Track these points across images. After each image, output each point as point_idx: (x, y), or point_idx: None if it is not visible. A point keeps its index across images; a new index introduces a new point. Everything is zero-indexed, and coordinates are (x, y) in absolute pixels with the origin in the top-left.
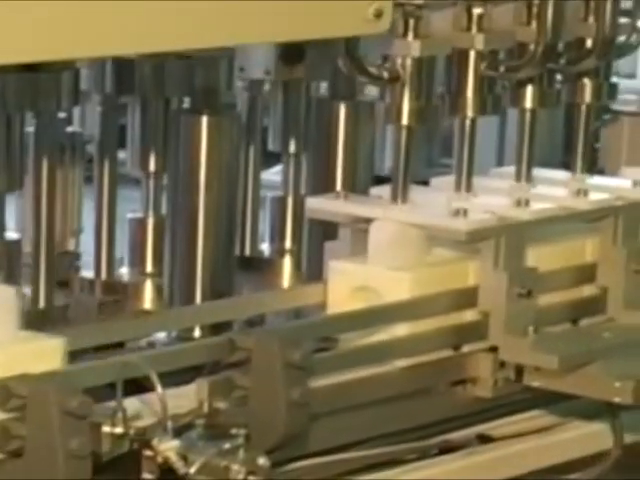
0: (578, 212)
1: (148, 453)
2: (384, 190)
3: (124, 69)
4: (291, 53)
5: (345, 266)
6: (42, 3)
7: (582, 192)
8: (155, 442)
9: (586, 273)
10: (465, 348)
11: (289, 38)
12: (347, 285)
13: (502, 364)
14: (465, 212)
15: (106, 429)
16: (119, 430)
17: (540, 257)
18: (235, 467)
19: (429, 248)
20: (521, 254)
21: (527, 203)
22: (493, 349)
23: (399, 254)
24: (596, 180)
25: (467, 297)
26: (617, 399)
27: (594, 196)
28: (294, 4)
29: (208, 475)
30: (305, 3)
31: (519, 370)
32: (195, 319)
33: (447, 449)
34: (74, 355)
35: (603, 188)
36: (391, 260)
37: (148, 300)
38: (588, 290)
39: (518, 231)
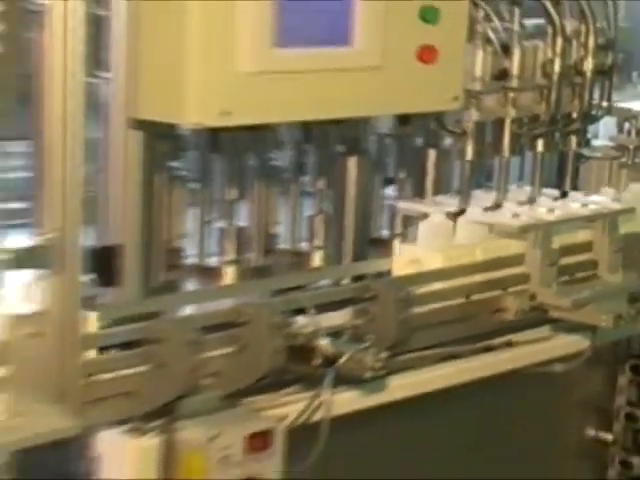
0: (582, 216)
1: (317, 347)
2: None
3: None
4: (403, 118)
5: (404, 247)
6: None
7: (582, 204)
8: (319, 341)
9: (584, 249)
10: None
11: (407, 111)
12: (404, 258)
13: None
14: (516, 215)
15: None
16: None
17: (558, 241)
18: (368, 358)
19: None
20: (549, 240)
21: (552, 210)
22: (533, 295)
23: (435, 240)
24: (586, 197)
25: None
26: (603, 324)
27: (591, 206)
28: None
29: (352, 363)
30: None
31: (545, 307)
32: (345, 273)
33: (489, 349)
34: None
35: (594, 202)
36: (430, 243)
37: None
38: (585, 258)
39: (547, 227)
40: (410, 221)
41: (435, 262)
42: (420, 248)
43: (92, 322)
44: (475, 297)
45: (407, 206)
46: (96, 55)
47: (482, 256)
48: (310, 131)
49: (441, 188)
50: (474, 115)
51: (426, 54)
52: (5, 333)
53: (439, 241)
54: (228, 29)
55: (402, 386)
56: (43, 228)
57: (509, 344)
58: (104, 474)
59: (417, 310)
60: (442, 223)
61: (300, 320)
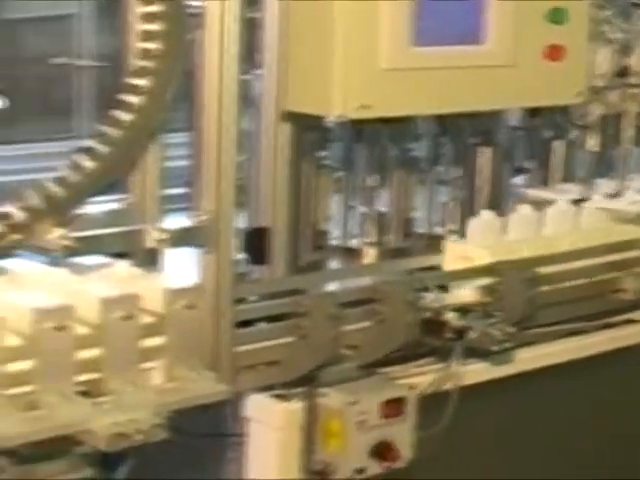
0: None
1: (448, 323)
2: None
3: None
4: (532, 111)
5: (452, 244)
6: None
7: None
8: (450, 316)
9: None
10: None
11: (535, 104)
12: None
13: None
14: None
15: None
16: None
17: None
18: (496, 332)
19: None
20: None
21: None
22: None
23: (484, 236)
24: None
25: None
26: None
27: None
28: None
29: (479, 336)
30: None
31: None
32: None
33: (609, 325)
34: None
35: None
36: (480, 240)
37: None
38: None
39: None
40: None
41: (563, 245)
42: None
43: None
44: (597, 278)
45: (535, 193)
46: (249, 54)
47: (604, 240)
48: (445, 124)
49: (567, 177)
50: (598, 109)
51: (554, 53)
52: (161, 305)
53: (564, 226)
54: (371, 29)
55: (527, 359)
56: (200, 211)
57: (628, 321)
58: (252, 434)
59: (542, 289)
60: (566, 209)
61: (430, 297)
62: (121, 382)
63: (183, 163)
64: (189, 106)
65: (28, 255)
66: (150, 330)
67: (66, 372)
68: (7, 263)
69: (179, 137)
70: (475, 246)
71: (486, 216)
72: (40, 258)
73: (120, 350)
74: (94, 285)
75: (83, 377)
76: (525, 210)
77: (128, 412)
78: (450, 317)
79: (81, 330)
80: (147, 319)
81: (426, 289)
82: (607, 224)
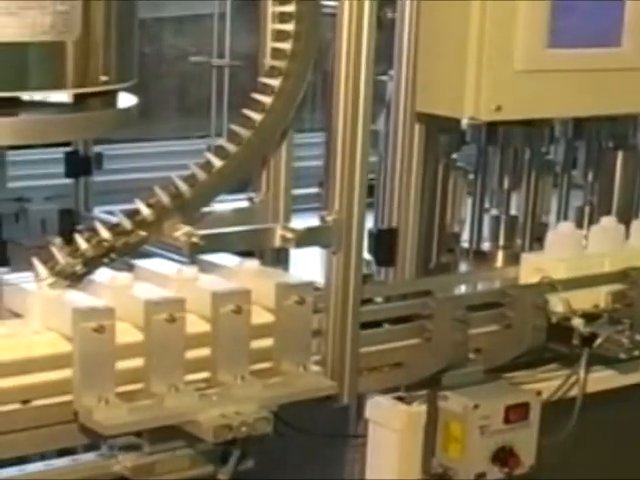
0: None
1: (575, 329)
2: None
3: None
4: None
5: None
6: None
7: None
8: (577, 322)
9: None
10: None
11: None
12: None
13: None
14: None
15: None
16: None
17: None
18: (624, 340)
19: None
20: None
21: None
22: None
23: (561, 249)
24: None
25: None
26: None
27: None
28: None
29: (607, 343)
30: None
31: None
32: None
33: None
34: None
35: None
36: (556, 253)
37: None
38: None
39: None
40: None
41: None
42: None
43: None
44: None
45: None
46: (384, 54)
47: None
48: (581, 127)
49: None
50: None
51: None
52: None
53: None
54: (506, 31)
55: None
56: (328, 210)
57: None
58: (373, 436)
59: None
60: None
61: (557, 302)
62: (230, 376)
63: (316, 163)
64: (324, 106)
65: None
66: (261, 326)
67: (176, 364)
68: (139, 261)
69: (313, 137)
70: (551, 259)
71: (564, 228)
72: (174, 257)
73: (230, 343)
74: (213, 280)
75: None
76: (609, 223)
77: (235, 405)
78: (577, 323)
79: (194, 322)
80: (259, 315)
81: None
82: None
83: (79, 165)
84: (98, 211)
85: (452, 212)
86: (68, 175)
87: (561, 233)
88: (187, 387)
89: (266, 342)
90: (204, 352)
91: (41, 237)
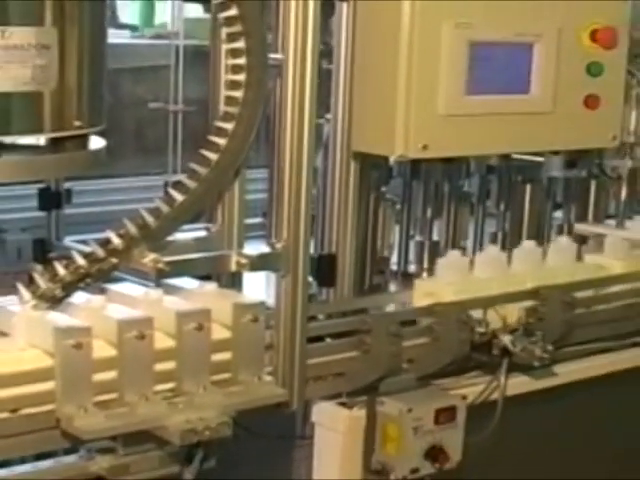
0: None
1: (495, 341)
2: None
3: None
4: (570, 161)
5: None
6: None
7: None
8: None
9: None
10: None
11: (574, 147)
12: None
13: None
14: None
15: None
16: (481, 330)
17: None
18: (537, 350)
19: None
20: None
21: None
22: None
23: (450, 275)
24: None
25: None
26: None
27: None
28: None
29: (522, 353)
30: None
31: None
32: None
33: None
34: None
35: None
36: (445, 278)
37: None
38: None
39: None
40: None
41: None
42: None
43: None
44: (625, 302)
45: (584, 228)
46: (320, 99)
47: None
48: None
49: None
50: (628, 163)
51: (591, 102)
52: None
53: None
54: (430, 80)
55: (565, 373)
56: (276, 238)
57: None
58: (319, 438)
59: (579, 311)
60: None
61: (479, 317)
62: (194, 386)
63: (260, 196)
64: (267, 146)
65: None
66: (220, 341)
67: (146, 376)
68: (111, 285)
69: (256, 173)
70: (441, 284)
71: (452, 256)
72: (140, 281)
73: (193, 357)
74: (176, 301)
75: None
76: (492, 251)
77: (198, 411)
78: (498, 336)
79: (161, 339)
80: (218, 331)
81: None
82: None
83: (51, 199)
84: (68, 240)
85: (382, 238)
86: (41, 208)
87: (449, 260)
88: (156, 396)
89: (225, 355)
90: (170, 365)
91: (17, 264)
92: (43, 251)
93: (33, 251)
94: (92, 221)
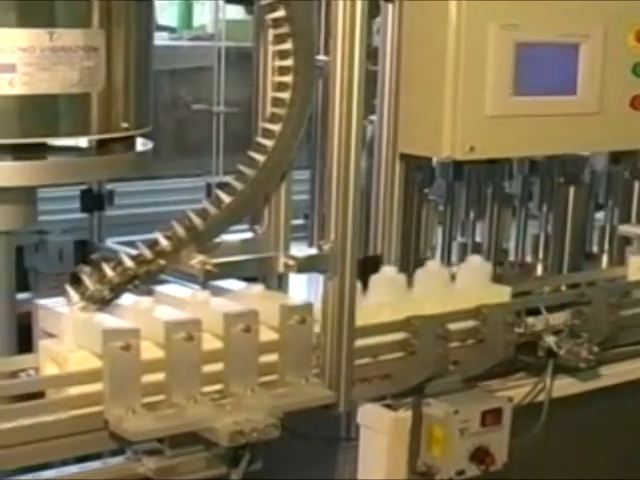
0: None
1: (541, 342)
2: None
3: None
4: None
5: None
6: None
7: None
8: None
9: None
10: None
11: (620, 148)
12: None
13: None
14: None
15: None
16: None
17: None
18: (583, 352)
19: None
20: None
21: None
22: None
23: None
24: None
25: None
26: None
27: None
28: None
29: (568, 354)
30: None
31: None
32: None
33: None
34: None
35: None
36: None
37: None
38: None
39: None
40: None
41: None
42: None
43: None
44: None
45: (627, 229)
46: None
47: None
48: (536, 164)
49: None
50: None
51: (637, 102)
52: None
53: None
54: (478, 81)
55: (611, 375)
56: (323, 240)
57: None
58: (364, 439)
59: (625, 313)
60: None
61: (527, 319)
62: (242, 388)
63: (299, 198)
64: (309, 147)
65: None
66: (268, 343)
67: (194, 377)
68: (159, 287)
69: (298, 174)
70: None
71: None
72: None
73: (240, 359)
74: (224, 303)
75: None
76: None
77: (246, 413)
78: (544, 337)
79: (209, 340)
80: (266, 333)
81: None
82: None
83: (93, 201)
84: (110, 242)
85: (425, 240)
86: (83, 210)
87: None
88: (204, 398)
89: (272, 357)
90: (218, 367)
91: (58, 265)
92: (85, 252)
93: (75, 253)
94: (133, 222)
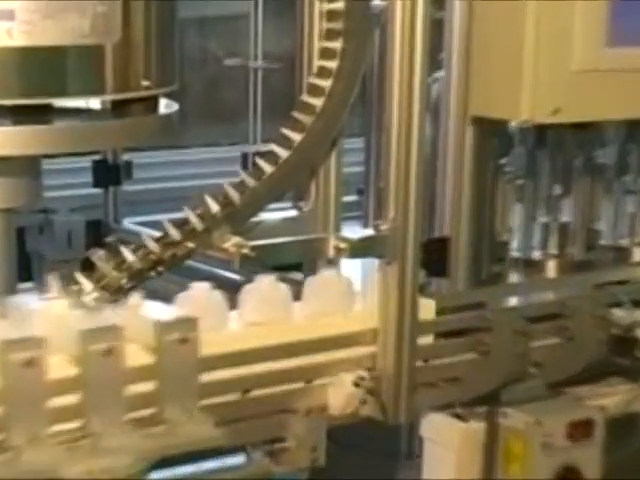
0: None
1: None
2: None
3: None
4: None
5: None
6: None
7: None
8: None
9: None
10: None
11: None
12: None
13: None
14: None
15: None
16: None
17: None
18: None
19: None
20: None
21: None
22: None
23: None
24: None
25: None
26: None
27: None
28: None
29: None
30: None
31: None
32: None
33: None
34: None
35: None
36: None
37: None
38: None
39: None
40: None
41: None
42: None
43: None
44: None
45: None
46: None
47: None
48: (634, 129)
49: None
50: None
51: None
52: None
53: None
54: (563, 30)
55: None
56: (381, 219)
57: None
58: (428, 455)
59: None
60: None
61: (619, 313)
62: (104, 424)
63: (353, 170)
64: (365, 109)
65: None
66: (140, 368)
67: (36, 413)
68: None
69: (349, 143)
70: None
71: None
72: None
73: (101, 388)
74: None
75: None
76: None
77: (105, 458)
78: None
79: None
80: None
81: (617, 305)
82: None
83: (108, 174)
84: (128, 222)
85: (501, 219)
86: (96, 185)
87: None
88: (50, 439)
89: (146, 387)
90: (72, 399)
91: (66, 251)
92: (98, 235)
93: (86, 235)
94: (156, 200)
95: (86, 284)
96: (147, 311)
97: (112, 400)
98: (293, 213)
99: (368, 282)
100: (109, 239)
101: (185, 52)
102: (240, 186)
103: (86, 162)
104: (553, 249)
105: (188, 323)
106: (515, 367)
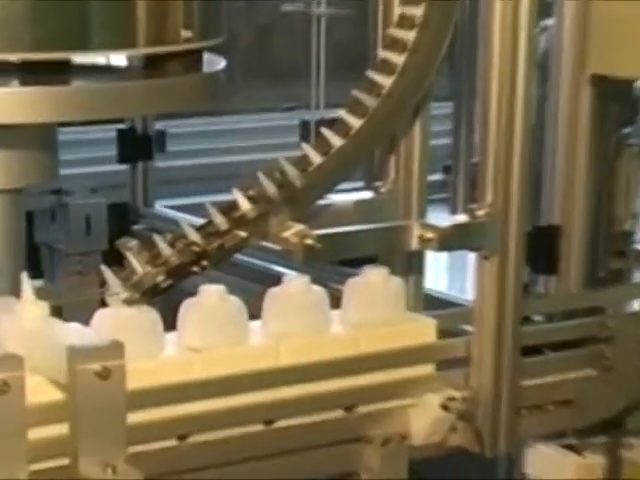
0: None
1: None
2: None
3: None
4: None
5: None
6: None
7: None
8: None
9: None
10: None
11: None
12: None
13: None
14: None
15: None
16: None
17: None
18: None
19: None
20: None
21: None
22: None
23: None
24: None
25: None
26: None
27: None
28: None
29: None
30: None
31: None
32: None
33: None
34: None
35: None
36: None
37: None
38: None
39: None
40: None
41: None
42: None
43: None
44: None
45: None
46: None
47: None
48: None
49: None
50: None
51: None
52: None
53: None
54: None
55: None
56: (475, 203)
57: None
58: None
59: None
60: None
61: None
62: None
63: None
64: (454, 69)
65: None
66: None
67: None
68: None
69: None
70: None
71: None
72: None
73: None
74: None
75: None
76: None
77: None
78: None
79: None
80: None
81: None
82: None
83: (137, 147)
84: (161, 206)
85: (624, 204)
86: (122, 160)
87: None
88: None
89: (59, 430)
90: None
91: (84, 241)
92: (124, 222)
93: (109, 222)
94: (195, 178)
95: (113, 282)
96: (58, 334)
97: (9, 448)
98: (368, 195)
99: None
100: (138, 227)
101: None
102: (301, 162)
103: (110, 132)
104: None
105: (111, 350)
106: None
